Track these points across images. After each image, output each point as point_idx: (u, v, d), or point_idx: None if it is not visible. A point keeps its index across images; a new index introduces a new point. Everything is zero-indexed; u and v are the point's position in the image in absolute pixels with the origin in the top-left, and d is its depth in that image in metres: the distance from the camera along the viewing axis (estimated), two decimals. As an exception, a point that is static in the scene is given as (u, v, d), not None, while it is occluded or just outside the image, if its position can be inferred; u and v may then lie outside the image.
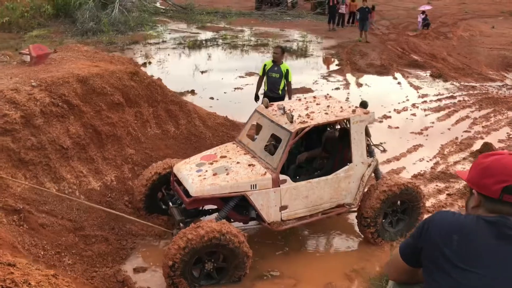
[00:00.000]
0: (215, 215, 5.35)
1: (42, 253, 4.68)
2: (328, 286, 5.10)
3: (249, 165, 5.38)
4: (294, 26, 22.82)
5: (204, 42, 18.74)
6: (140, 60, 14.76)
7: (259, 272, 5.29)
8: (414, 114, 10.80)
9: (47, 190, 5.50)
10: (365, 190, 5.79)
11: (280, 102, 6.37)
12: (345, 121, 5.74)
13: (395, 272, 2.11)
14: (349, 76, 14.19)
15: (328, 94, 6.92)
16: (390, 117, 10.52)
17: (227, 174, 5.23)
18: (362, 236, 5.96)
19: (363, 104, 5.86)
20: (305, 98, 6.61)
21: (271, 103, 6.14)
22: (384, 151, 7.41)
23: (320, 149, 6.43)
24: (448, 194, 7.12)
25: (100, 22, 18.53)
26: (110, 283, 4.85)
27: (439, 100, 11.94)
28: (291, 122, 5.34)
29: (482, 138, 9.32)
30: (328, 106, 5.86)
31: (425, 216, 5.66)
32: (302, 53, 17.42)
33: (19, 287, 2.47)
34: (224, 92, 11.87)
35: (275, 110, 5.81)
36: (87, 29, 18.13)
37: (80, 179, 6.12)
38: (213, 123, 8.44)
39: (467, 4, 31.81)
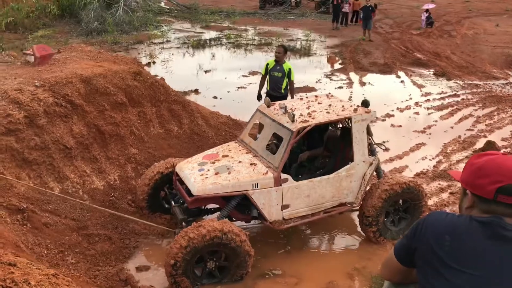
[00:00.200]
0: (217, 214, 5.37)
1: (45, 252, 4.72)
2: (330, 285, 5.11)
3: (251, 164, 5.41)
4: (297, 25, 22.82)
5: (208, 41, 18.78)
6: (145, 60, 14.82)
7: (261, 271, 5.31)
8: (417, 113, 10.78)
9: (49, 191, 5.53)
10: (367, 189, 5.80)
11: (281, 101, 6.39)
12: (346, 120, 5.75)
13: (390, 272, 2.12)
14: (352, 75, 14.18)
15: (329, 93, 6.93)
16: (393, 115, 10.51)
17: (229, 173, 5.25)
18: (364, 235, 5.96)
19: (365, 103, 5.86)
20: (306, 97, 6.62)
21: (273, 102, 6.16)
22: (386, 150, 7.41)
23: (321, 148, 6.44)
24: (450, 193, 7.11)
25: (104, 22, 18.62)
26: (113, 281, 4.88)
27: (443, 98, 11.91)
28: (293, 121, 5.35)
29: (485, 137, 9.29)
30: (329, 105, 5.87)
31: (427, 215, 5.66)
32: (305, 52, 17.43)
33: (19, 287, 2.50)
34: (228, 91, 11.89)
35: (277, 109, 5.83)
36: (92, 29, 18.23)
37: (84, 178, 6.16)
38: (216, 122, 8.46)
39: (471, 2, 31.71)
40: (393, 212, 5.92)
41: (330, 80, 13.61)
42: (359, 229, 6.07)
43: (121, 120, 6.91)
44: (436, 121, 10.27)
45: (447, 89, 12.79)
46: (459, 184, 7.40)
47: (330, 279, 5.18)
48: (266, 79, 8.25)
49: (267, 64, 8.23)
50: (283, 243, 5.91)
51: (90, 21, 18.41)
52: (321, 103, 6.01)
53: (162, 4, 27.19)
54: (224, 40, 19.10)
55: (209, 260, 4.87)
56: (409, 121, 10.27)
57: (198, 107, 8.58)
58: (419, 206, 5.89)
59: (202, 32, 20.61)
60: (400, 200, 5.87)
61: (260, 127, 6.86)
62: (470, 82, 13.52)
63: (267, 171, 5.26)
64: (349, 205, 5.77)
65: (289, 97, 8.15)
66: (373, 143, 5.96)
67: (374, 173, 5.94)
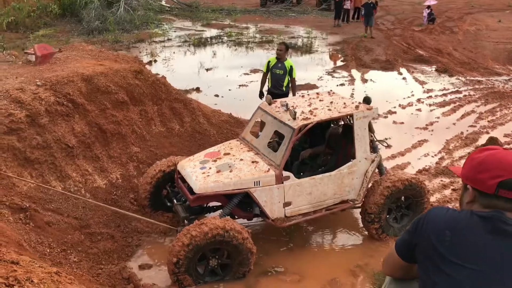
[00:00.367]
0: (219, 212, 5.38)
1: (48, 250, 4.73)
2: (333, 282, 5.11)
3: (253, 162, 5.41)
4: (299, 23, 22.79)
5: (209, 39, 18.76)
6: (146, 58, 14.82)
7: (263, 268, 5.31)
8: (419, 109, 10.76)
9: (52, 188, 5.55)
10: (369, 186, 5.80)
11: (283, 99, 6.38)
12: (348, 117, 5.74)
13: (391, 268, 2.12)
14: (354, 72, 14.15)
15: (331, 90, 6.92)
16: (395, 112, 10.48)
17: (231, 171, 5.26)
18: (366, 231, 5.96)
19: (366, 100, 5.85)
20: (308, 94, 6.62)
21: (274, 99, 6.15)
22: (388, 146, 7.41)
23: (323, 145, 6.43)
24: (453, 189, 7.09)
25: (106, 21, 18.64)
26: (116, 280, 4.89)
27: (445, 95, 11.88)
28: (294, 118, 5.34)
29: (488, 133, 9.27)
30: (331, 102, 5.86)
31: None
32: (307, 49, 17.40)
33: (21, 284, 2.51)
34: (229, 89, 11.89)
35: (278, 107, 5.82)
36: (93, 28, 18.24)
37: (86, 177, 6.18)
38: (217, 121, 8.47)
39: (473, -3, 31.60)
40: (395, 209, 5.91)
41: (332, 77, 13.59)
42: (361, 226, 6.06)
43: (122, 119, 6.91)
44: (438, 117, 10.24)
45: (449, 86, 12.76)
46: (461, 181, 7.40)
47: (332, 276, 5.18)
48: (268, 77, 8.24)
49: (269, 62, 8.22)
50: (285, 241, 5.91)
51: (91, 20, 18.43)
52: (322, 100, 6.00)
53: (163, 3, 27.15)
54: (225, 38, 19.08)
55: (212, 257, 4.87)
56: (411, 118, 10.25)
57: (200, 105, 8.59)
58: (421, 202, 5.88)
59: (203, 30, 20.60)
60: (402, 197, 5.87)
61: (262, 125, 6.86)
62: (472, 78, 13.48)
63: (269, 168, 5.26)
64: (351, 202, 5.76)
65: (290, 94, 8.14)
66: (375, 140, 5.95)
67: (376, 170, 5.93)
